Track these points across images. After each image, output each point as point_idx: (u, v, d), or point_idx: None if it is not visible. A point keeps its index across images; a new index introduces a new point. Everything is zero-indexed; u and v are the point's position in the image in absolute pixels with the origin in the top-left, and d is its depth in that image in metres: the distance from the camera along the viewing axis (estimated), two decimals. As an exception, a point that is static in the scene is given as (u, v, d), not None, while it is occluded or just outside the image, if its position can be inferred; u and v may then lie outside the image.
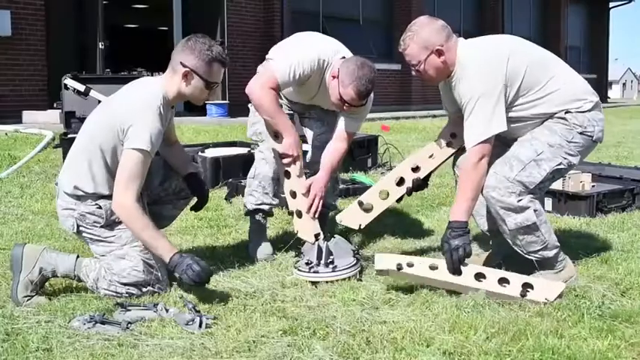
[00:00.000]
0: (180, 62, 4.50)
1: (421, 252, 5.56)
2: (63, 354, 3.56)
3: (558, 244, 4.69)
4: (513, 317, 4.00)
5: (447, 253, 4.46)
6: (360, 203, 5.04)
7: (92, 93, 9.90)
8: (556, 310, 4.11)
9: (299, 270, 4.79)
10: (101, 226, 4.49)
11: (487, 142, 4.49)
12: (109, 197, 4.42)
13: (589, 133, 4.61)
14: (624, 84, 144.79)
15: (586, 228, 6.38)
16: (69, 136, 9.28)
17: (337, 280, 4.68)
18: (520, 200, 4.50)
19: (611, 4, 41.79)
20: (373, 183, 8.02)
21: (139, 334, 3.80)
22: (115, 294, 4.39)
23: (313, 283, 4.67)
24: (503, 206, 4.53)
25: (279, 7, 20.47)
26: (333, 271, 4.72)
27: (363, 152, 10.10)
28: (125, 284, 4.40)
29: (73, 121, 10.01)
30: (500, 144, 4.70)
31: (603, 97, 41.06)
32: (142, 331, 3.85)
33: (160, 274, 4.49)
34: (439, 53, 4.60)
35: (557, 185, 7.06)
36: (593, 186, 7.36)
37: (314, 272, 4.72)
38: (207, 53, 4.49)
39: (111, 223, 4.49)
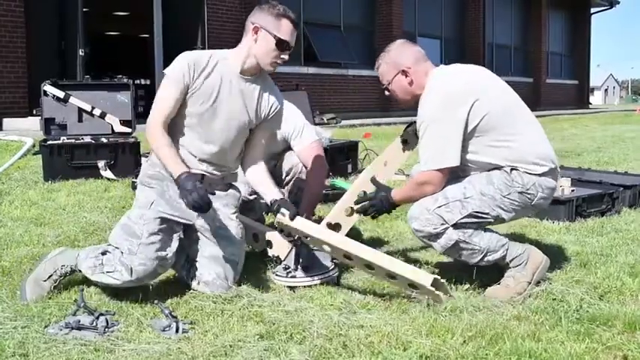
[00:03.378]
0: (251, 21, 4.55)
1: (400, 256, 5.54)
2: (39, 359, 3.54)
3: (504, 242, 4.64)
4: (490, 321, 3.99)
5: (371, 206, 4.92)
6: (329, 224, 5.04)
7: (72, 99, 9.87)
8: (534, 314, 4.12)
9: (277, 275, 4.78)
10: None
11: (436, 172, 4.52)
12: None
13: (529, 196, 4.55)
14: (606, 90, 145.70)
15: (565, 232, 6.40)
16: (48, 142, 9.24)
17: (315, 285, 4.67)
18: (436, 228, 4.51)
19: (593, 10, 42.12)
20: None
21: (116, 339, 3.77)
22: (99, 274, 4.41)
23: (291, 287, 4.66)
24: (423, 235, 4.58)
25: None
26: (310, 276, 4.71)
27: (342, 158, 10.11)
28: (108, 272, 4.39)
29: (52, 127, 9.95)
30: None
31: (585, 103, 41.31)
32: (118, 336, 3.83)
33: (136, 249, 4.38)
34: (405, 74, 4.72)
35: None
36: (572, 190, 7.37)
37: (291, 277, 4.70)
38: (277, 10, 4.51)
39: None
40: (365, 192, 5.05)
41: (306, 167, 5.70)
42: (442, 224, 4.49)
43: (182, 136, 4.57)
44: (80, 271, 4.52)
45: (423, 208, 4.55)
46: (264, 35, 4.50)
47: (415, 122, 4.86)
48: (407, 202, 4.77)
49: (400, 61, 4.74)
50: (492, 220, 4.60)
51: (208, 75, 4.51)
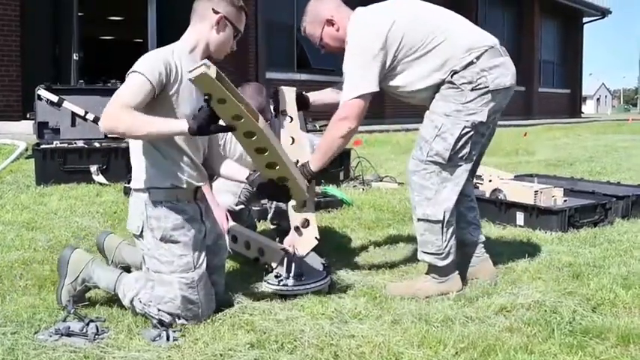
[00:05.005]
0: (212, 9, 4.38)
1: (392, 265, 5.52)
2: (28, 366, 3.53)
3: (454, 262, 4.89)
4: (483, 332, 3.97)
5: None
6: (297, 228, 4.96)
7: (65, 104, 9.90)
8: (526, 326, 4.09)
9: (268, 283, 4.75)
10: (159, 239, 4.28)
11: (355, 103, 4.71)
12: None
13: (481, 86, 4.65)
14: (598, 99, 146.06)
15: (558, 243, 6.36)
16: (41, 146, 9.23)
17: (306, 294, 4.64)
18: (439, 192, 4.73)
19: (585, 19, 42.24)
20: (345, 196, 8.04)
21: (106, 347, 3.75)
22: (148, 316, 4.21)
23: (282, 296, 4.63)
24: (422, 194, 4.76)
25: (253, 19, 20.47)
26: (302, 285, 4.69)
27: (335, 165, 10.02)
28: (159, 310, 4.19)
29: (46, 131, 10.03)
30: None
31: (577, 112, 41.36)
32: (108, 343, 3.81)
33: (200, 311, 4.23)
34: (330, 23, 4.91)
35: (529, 200, 7.09)
36: (565, 201, 7.38)
37: (283, 285, 4.68)
38: (237, 1, 4.47)
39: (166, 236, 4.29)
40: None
41: None
42: (438, 166, 4.70)
43: (179, 144, 4.30)
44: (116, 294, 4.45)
45: (417, 160, 4.76)
46: (228, 27, 4.45)
47: (277, 88, 5.11)
48: (327, 157, 4.86)
49: (321, 14, 4.92)
50: (474, 131, 4.72)
51: (181, 73, 4.22)
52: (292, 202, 4.89)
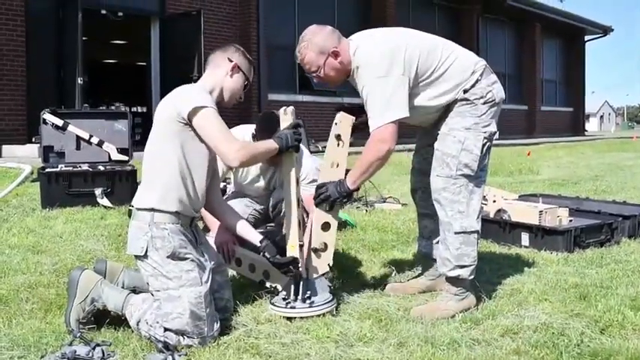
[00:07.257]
0: (228, 58, 4.77)
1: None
2: (35, 391, 3.52)
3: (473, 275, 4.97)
4: (489, 355, 3.95)
5: (323, 194, 4.86)
6: (315, 250, 4.97)
7: (70, 127, 9.93)
8: (533, 348, 4.06)
9: (275, 305, 4.74)
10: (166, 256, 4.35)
11: (388, 127, 4.73)
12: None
13: (490, 99, 4.91)
14: (601, 117, 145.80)
15: (564, 263, 6.32)
16: (47, 170, 9.26)
17: (312, 317, 4.62)
18: (469, 204, 4.86)
19: (587, 38, 42.25)
20: (347, 217, 8.02)
21: (112, 372, 3.75)
22: (153, 339, 4.19)
23: (288, 318, 4.61)
24: (454, 208, 4.85)
25: (255, 42, 20.57)
26: (310, 307, 4.67)
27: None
28: (166, 329, 4.19)
29: (51, 155, 10.05)
30: (428, 136, 5.14)
31: (581, 130, 41.31)
32: (114, 368, 3.80)
33: (205, 329, 4.23)
34: (335, 55, 4.92)
35: (534, 220, 7.07)
36: (570, 220, 7.35)
37: (290, 308, 4.67)
38: (249, 57, 4.92)
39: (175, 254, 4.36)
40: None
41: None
42: (467, 179, 4.85)
43: (200, 174, 4.53)
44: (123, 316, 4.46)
45: (445, 178, 4.86)
46: (240, 75, 4.79)
47: (340, 111, 5.08)
48: (364, 176, 4.92)
49: (327, 44, 4.92)
50: (490, 138, 4.94)
51: None
52: (315, 224, 4.98)
